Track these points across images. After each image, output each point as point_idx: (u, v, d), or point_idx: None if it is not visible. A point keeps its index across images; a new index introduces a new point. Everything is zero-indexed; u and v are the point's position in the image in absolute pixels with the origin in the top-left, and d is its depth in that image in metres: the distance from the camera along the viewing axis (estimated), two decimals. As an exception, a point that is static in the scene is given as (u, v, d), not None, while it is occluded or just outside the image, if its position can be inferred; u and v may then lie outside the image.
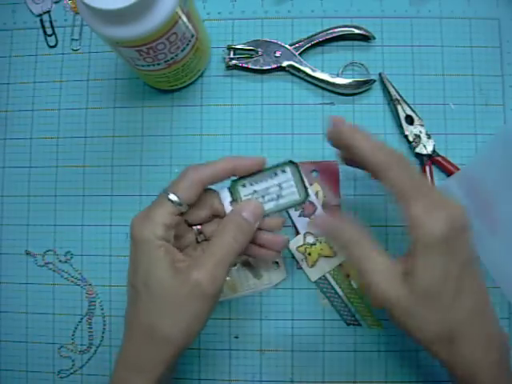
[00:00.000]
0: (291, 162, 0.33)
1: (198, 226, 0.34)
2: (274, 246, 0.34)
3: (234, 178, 0.33)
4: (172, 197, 0.30)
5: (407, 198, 0.28)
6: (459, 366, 0.28)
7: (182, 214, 0.31)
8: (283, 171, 0.33)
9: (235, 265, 0.41)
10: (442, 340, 0.28)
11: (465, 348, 0.28)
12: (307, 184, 0.33)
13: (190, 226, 0.34)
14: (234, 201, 0.33)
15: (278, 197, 0.33)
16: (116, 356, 0.31)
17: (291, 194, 0.33)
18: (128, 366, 0.30)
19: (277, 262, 0.41)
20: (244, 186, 0.33)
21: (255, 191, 0.33)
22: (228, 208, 0.33)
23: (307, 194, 0.33)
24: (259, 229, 0.33)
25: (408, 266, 0.28)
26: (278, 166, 0.33)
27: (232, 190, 0.33)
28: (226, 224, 0.31)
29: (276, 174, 0.33)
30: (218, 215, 0.34)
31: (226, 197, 0.33)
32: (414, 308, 0.28)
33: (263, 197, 0.33)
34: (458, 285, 0.27)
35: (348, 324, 0.41)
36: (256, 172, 0.32)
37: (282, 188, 0.33)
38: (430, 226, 0.27)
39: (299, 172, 0.33)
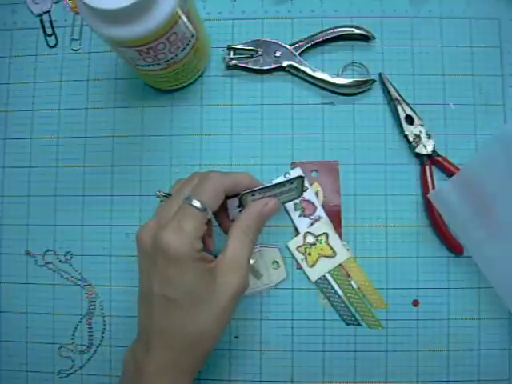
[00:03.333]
0: (301, 177, 0.34)
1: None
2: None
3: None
4: (197, 204, 0.30)
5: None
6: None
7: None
8: (291, 183, 0.34)
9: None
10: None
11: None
12: (306, 184, 0.34)
13: None
14: (241, 206, 0.33)
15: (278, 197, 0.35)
16: (143, 366, 0.30)
17: (290, 195, 0.36)
18: (169, 374, 0.30)
19: (277, 262, 0.41)
20: (253, 195, 0.33)
21: (263, 198, 0.34)
22: (234, 212, 0.34)
23: (302, 192, 0.36)
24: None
25: None
26: (288, 180, 0.34)
27: (242, 198, 0.33)
28: (248, 219, 0.32)
29: (284, 186, 0.34)
30: None
31: (233, 204, 0.34)
32: None
33: None
34: None
35: (348, 324, 0.41)
36: (266, 186, 0.33)
37: (284, 193, 0.35)
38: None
39: (303, 181, 0.35)
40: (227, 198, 0.33)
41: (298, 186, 0.35)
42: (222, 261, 0.31)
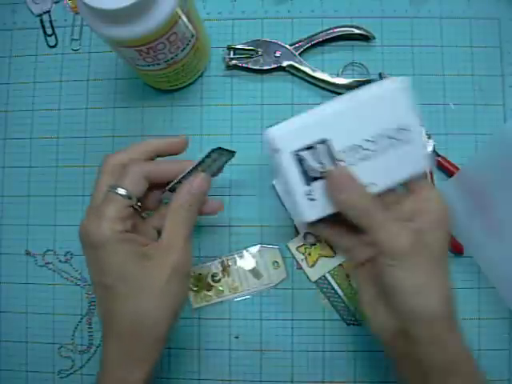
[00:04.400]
0: (219, 148, 0.32)
1: (138, 203, 0.34)
2: (214, 211, 0.36)
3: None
4: (121, 191, 0.30)
5: (375, 229, 0.29)
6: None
7: (133, 208, 0.31)
8: (208, 157, 0.32)
9: (235, 264, 0.41)
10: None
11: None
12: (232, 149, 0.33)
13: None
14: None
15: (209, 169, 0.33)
16: (103, 353, 0.30)
17: (220, 162, 0.34)
18: (122, 364, 0.30)
19: (277, 262, 0.41)
20: (180, 182, 0.33)
21: None
22: None
23: (233, 151, 0.33)
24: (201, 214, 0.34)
25: None
26: (205, 157, 0.32)
27: (172, 190, 0.33)
28: (179, 199, 0.31)
29: (204, 162, 0.32)
30: None
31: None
32: None
33: None
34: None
35: (348, 324, 0.41)
36: (188, 171, 0.33)
37: (211, 165, 0.33)
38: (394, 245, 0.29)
39: (222, 149, 0.32)
40: (170, 190, 0.33)
41: (220, 155, 0.33)
42: (157, 243, 0.31)
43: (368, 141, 0.30)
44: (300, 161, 0.30)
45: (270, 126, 0.30)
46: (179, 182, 0.33)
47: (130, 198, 0.30)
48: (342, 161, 0.30)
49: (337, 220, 0.32)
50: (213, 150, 0.32)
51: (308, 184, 0.30)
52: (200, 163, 0.32)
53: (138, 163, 0.31)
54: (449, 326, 0.30)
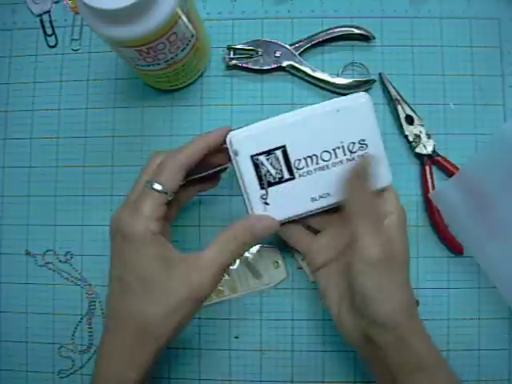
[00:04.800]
0: None
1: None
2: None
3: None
4: (157, 186, 0.30)
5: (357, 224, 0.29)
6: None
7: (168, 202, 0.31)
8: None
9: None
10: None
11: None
12: None
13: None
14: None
15: None
16: (99, 348, 0.31)
17: None
18: (119, 361, 0.30)
19: (277, 262, 0.41)
20: (204, 177, 0.34)
21: None
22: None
23: None
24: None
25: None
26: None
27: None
28: (233, 230, 0.31)
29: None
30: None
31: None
32: None
33: None
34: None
35: (348, 324, 0.41)
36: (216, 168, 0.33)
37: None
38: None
39: None
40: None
41: None
42: (190, 258, 0.30)
43: (327, 152, 0.31)
44: (258, 165, 0.31)
45: (236, 128, 0.31)
46: (203, 176, 0.32)
47: (165, 192, 0.30)
48: (298, 169, 0.31)
49: (292, 223, 0.33)
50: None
51: (263, 188, 0.31)
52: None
53: (173, 156, 0.31)
54: (412, 329, 0.30)
